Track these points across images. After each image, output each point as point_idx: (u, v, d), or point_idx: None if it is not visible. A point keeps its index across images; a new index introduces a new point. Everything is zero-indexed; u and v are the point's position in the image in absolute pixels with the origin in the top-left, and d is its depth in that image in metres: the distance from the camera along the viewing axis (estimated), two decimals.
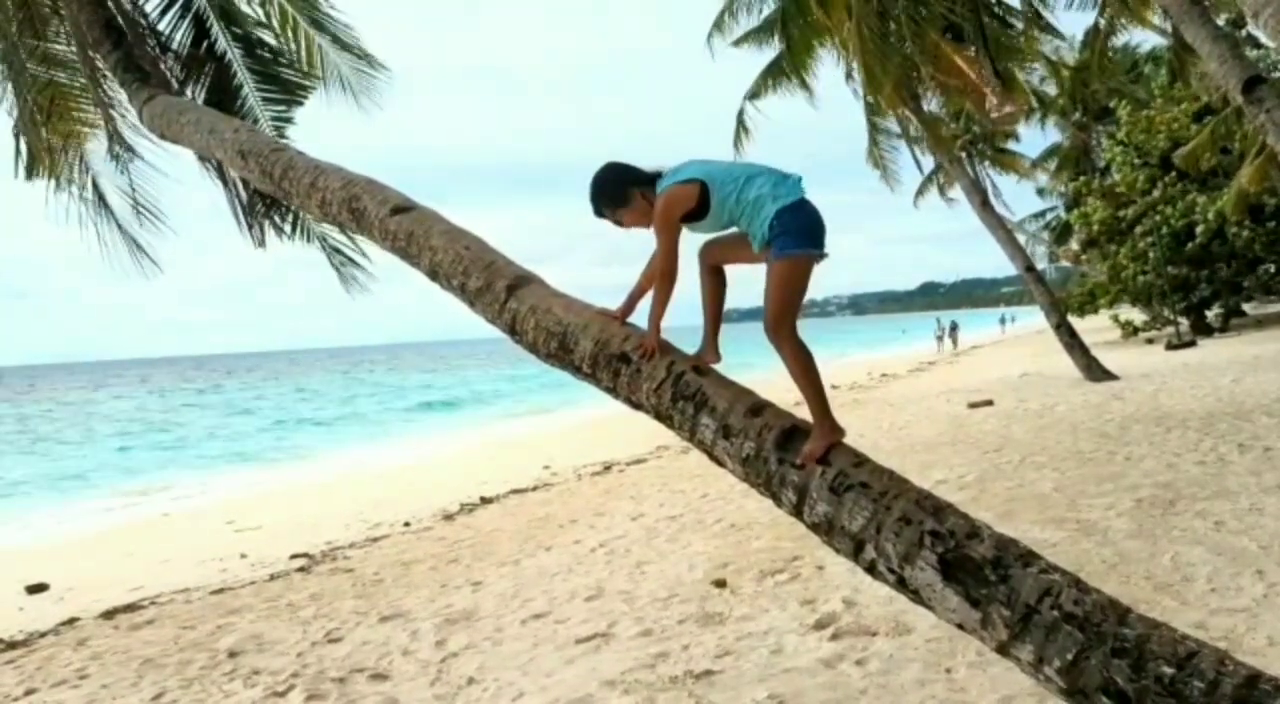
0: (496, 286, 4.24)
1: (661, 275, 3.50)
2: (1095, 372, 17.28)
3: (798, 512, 3.44)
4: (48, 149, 7.99)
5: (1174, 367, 18.73)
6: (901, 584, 3.08)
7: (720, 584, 6.27)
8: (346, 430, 31.79)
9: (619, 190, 3.52)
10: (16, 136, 8.43)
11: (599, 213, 3.60)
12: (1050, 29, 17.72)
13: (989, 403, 15.44)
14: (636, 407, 3.90)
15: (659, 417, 3.84)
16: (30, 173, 8.60)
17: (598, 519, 9.59)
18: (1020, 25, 16.34)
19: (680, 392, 3.73)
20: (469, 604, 6.67)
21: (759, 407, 3.66)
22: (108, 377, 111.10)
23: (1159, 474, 8.11)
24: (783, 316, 3.36)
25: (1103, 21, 18.40)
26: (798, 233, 3.29)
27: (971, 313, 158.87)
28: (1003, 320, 64.63)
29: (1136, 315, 30.86)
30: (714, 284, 3.76)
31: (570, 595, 6.56)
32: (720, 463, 3.69)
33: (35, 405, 59.81)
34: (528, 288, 4.21)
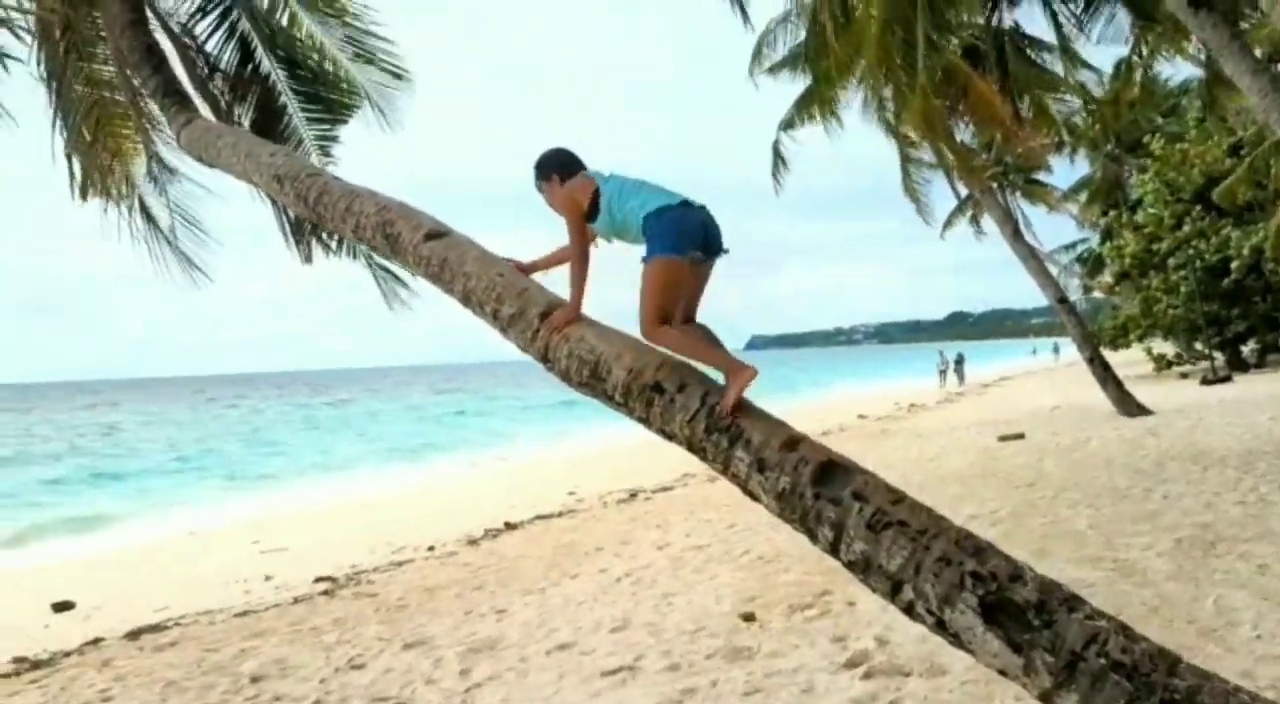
0: (529, 314, 4.20)
1: (575, 256, 3.82)
2: (1129, 406, 17.04)
3: (834, 549, 3.37)
4: (100, 168, 8.09)
5: (1209, 402, 18.42)
6: (941, 626, 3.00)
7: (749, 618, 6.17)
8: (375, 452, 31.78)
9: (546, 168, 3.95)
10: (69, 157, 8.54)
11: (535, 182, 4.01)
12: (1080, 60, 17.61)
13: (1020, 436, 15.24)
14: (669, 437, 3.85)
15: (692, 448, 3.79)
16: (84, 193, 8.71)
17: (623, 548, 9.50)
18: (1050, 56, 16.25)
19: (714, 424, 3.68)
20: (493, 632, 6.61)
21: (795, 440, 3.60)
22: (141, 394, 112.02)
23: (1198, 514, 7.94)
24: (652, 318, 3.58)
25: (1135, 56, 18.30)
26: (662, 236, 3.53)
27: (1002, 343, 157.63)
28: (1056, 349, 64.11)
29: (1169, 349, 30.48)
30: (694, 332, 3.86)
31: (596, 626, 6.48)
32: (755, 497, 3.63)
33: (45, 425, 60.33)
34: None
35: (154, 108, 7.44)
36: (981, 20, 14.02)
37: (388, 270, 9.15)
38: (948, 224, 37.38)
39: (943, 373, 45.02)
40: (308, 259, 9.04)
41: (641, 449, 23.11)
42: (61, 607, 9.87)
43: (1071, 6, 14.63)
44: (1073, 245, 44.78)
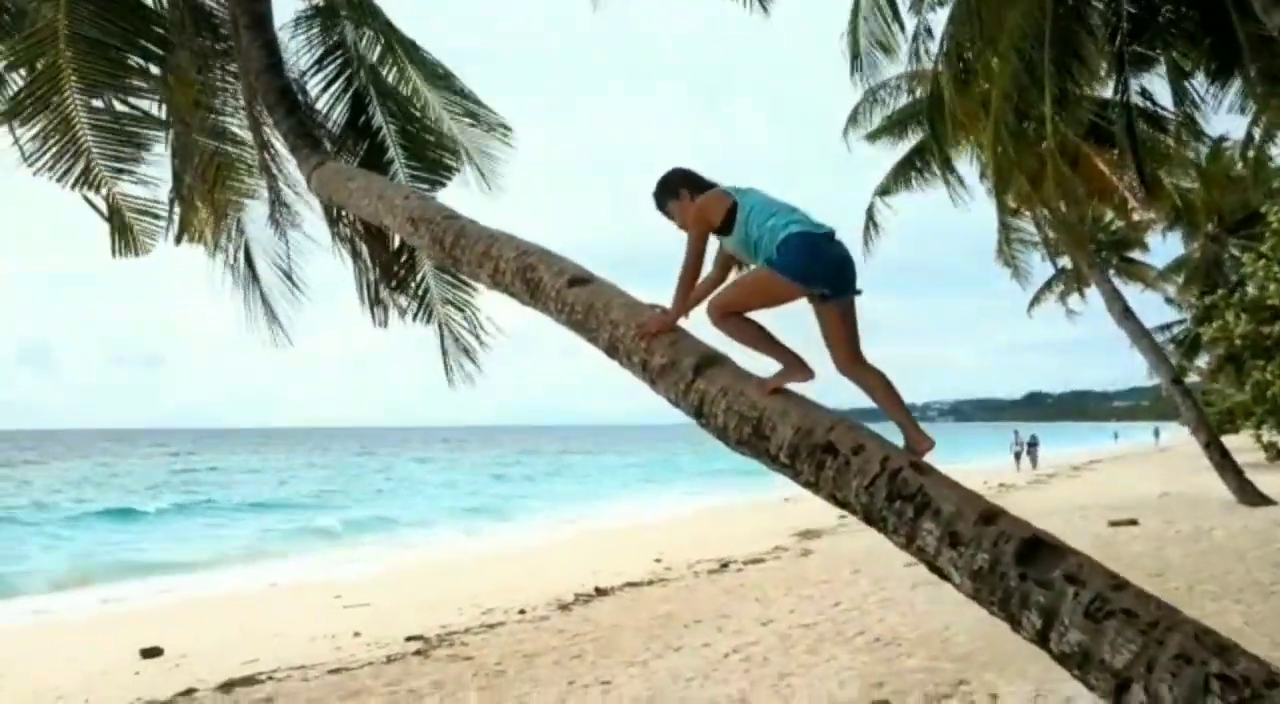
0: (683, 365, 3.92)
1: (686, 269, 3.76)
2: (1249, 495, 16.02)
3: (1042, 637, 2.98)
4: (217, 213, 8.12)
5: None
6: None
7: None
8: (453, 512, 31.58)
9: (673, 186, 3.83)
10: (171, 203, 8.62)
11: (659, 205, 3.90)
12: (1200, 134, 17.06)
13: (1133, 522, 14.41)
14: (842, 505, 3.52)
15: (868, 518, 3.44)
16: (179, 239, 8.76)
17: (724, 621, 9.05)
18: (1171, 129, 15.73)
19: (897, 491, 3.34)
20: None
21: (992, 513, 3.25)
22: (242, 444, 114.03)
23: None
24: (726, 306, 3.61)
25: (1257, 130, 17.67)
26: (794, 260, 3.41)
27: (1081, 426, 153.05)
28: (1156, 433, 63.05)
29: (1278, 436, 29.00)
30: (873, 379, 3.74)
31: None
32: (944, 575, 3.25)
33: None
34: (717, 367, 3.88)
35: (279, 154, 7.49)
36: (1108, 92, 13.66)
37: (460, 341, 8.87)
38: (1036, 300, 36.51)
39: (1017, 455, 43.17)
40: (383, 323, 8.84)
41: (720, 516, 22.65)
42: (150, 653, 9.74)
43: (1193, 82, 14.17)
44: (1167, 327, 43.27)
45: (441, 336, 8.73)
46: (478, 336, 8.58)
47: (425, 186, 8.78)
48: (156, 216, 7.46)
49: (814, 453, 3.53)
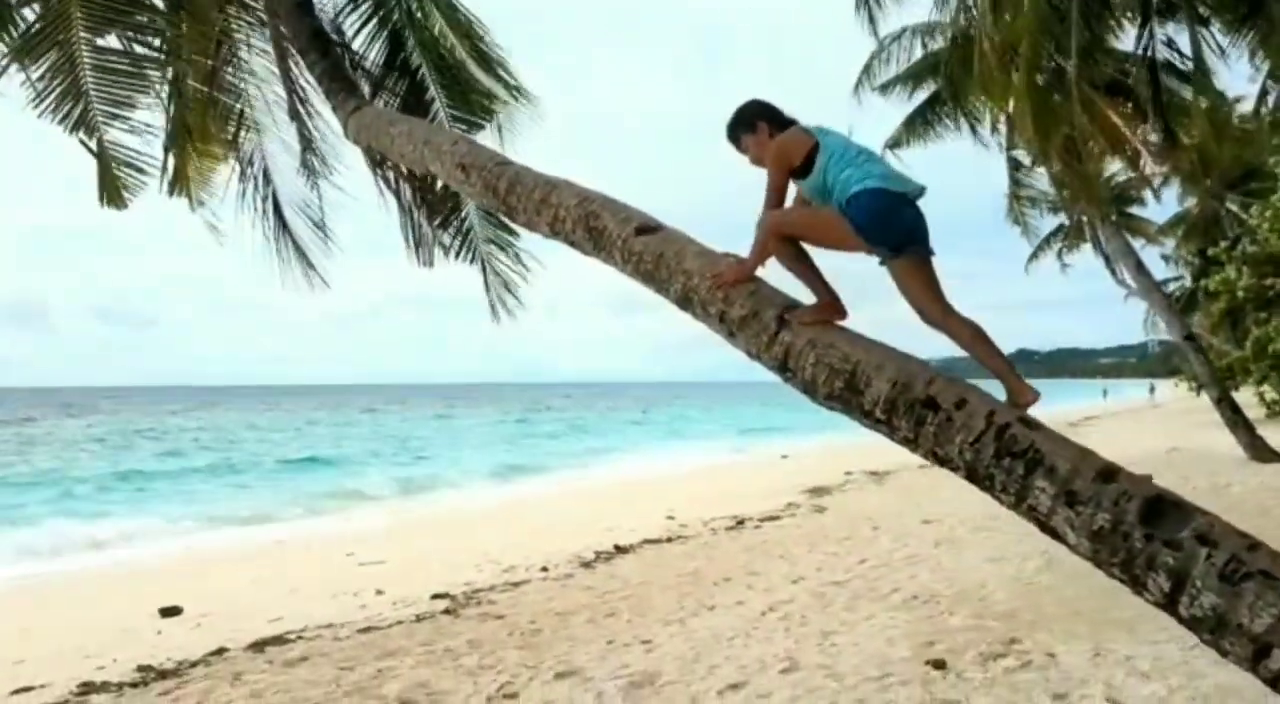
0: (765, 316, 3.75)
1: (767, 210, 3.56)
2: (1261, 451, 16.02)
3: (1171, 601, 2.87)
4: (235, 160, 7.86)
5: None
6: None
7: (939, 665, 5.62)
8: (456, 468, 31.46)
9: (752, 118, 3.65)
10: (166, 151, 8.32)
11: (733, 138, 3.73)
12: (1211, 88, 16.83)
13: (1148, 478, 14.36)
14: (942, 462, 3.38)
15: (972, 476, 3.30)
16: (172, 190, 8.51)
17: (753, 579, 8.96)
18: (1191, 82, 15.49)
19: (1006, 447, 3.21)
20: (647, 666, 6.12)
21: (1110, 471, 3.12)
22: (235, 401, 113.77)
23: None
24: (780, 226, 3.50)
25: (1270, 80, 17.40)
26: (862, 214, 3.30)
27: (1067, 383, 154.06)
28: (1151, 389, 63.22)
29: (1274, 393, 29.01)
30: (965, 331, 3.64)
31: (760, 665, 5.96)
32: (1058, 535, 3.13)
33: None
34: None
35: (310, 99, 7.24)
36: (1129, 43, 13.42)
37: (500, 277, 8.82)
38: (1034, 256, 36.38)
39: None
40: (429, 263, 8.80)
41: (724, 473, 22.64)
42: (169, 612, 9.61)
43: (1211, 32, 13.89)
44: (1164, 283, 43.18)
45: (485, 275, 8.65)
46: (522, 275, 8.53)
47: (464, 128, 8.55)
48: (141, 171, 7.17)
49: (913, 408, 3.39)
